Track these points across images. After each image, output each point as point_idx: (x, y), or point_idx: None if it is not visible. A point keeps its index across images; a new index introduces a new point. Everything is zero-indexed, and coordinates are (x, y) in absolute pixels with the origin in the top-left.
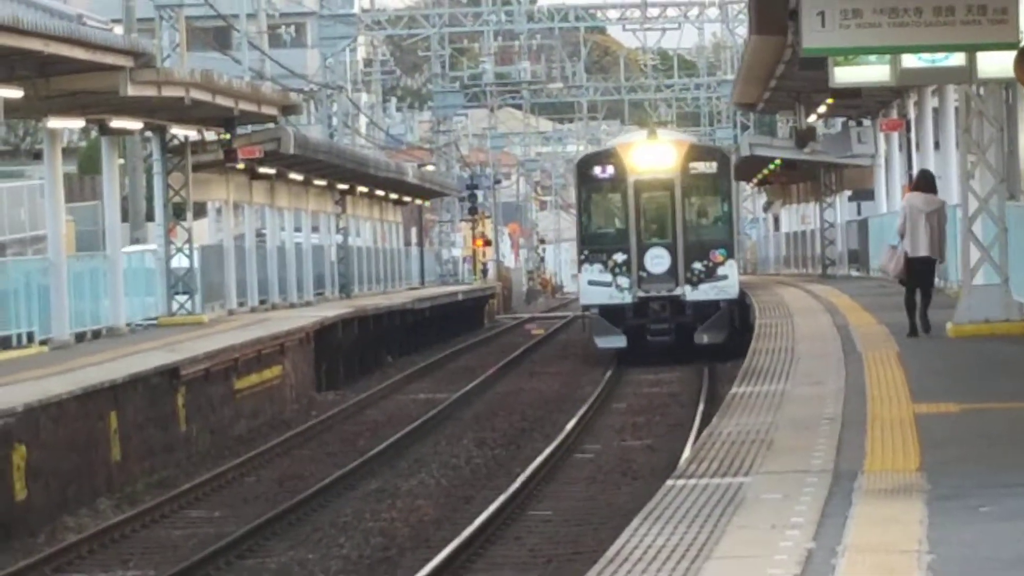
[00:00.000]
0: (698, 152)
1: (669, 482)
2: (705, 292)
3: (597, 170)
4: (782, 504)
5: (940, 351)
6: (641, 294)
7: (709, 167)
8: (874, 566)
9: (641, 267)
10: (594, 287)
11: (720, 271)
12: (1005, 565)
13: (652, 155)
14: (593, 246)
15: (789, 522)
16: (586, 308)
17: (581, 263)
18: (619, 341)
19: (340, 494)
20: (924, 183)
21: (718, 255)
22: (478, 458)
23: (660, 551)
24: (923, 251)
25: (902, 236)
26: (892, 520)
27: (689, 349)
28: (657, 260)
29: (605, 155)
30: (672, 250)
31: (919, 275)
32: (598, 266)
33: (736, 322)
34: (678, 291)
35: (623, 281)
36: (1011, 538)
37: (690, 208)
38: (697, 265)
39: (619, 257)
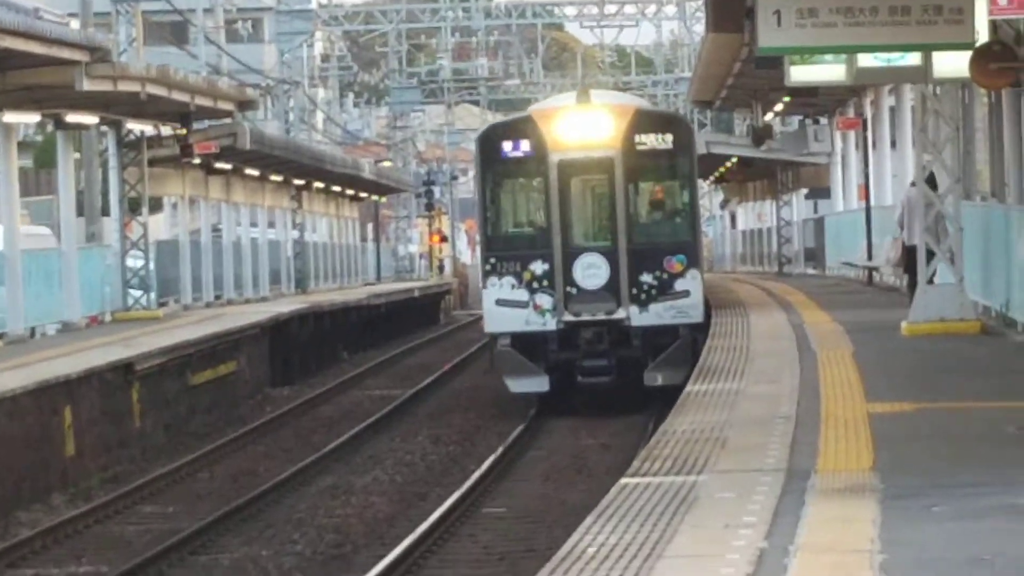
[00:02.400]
0: (648, 121)
1: (622, 480)
2: (658, 314)
3: (506, 147)
4: (735, 503)
5: (894, 350)
6: (569, 318)
7: (663, 141)
8: (826, 566)
9: (569, 281)
10: (504, 308)
11: (679, 285)
12: (957, 565)
13: (583, 125)
14: (502, 252)
15: (742, 521)
16: (494, 338)
17: (486, 275)
18: (539, 383)
19: (294, 490)
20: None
21: (675, 263)
22: (433, 455)
23: (613, 549)
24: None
25: (901, 227)
26: (845, 519)
27: (636, 392)
28: (591, 271)
29: (517, 126)
30: (612, 257)
31: (918, 262)
32: (509, 279)
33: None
34: (620, 313)
35: (544, 300)
36: (963, 538)
37: (637, 199)
38: (647, 277)
39: (538, 267)
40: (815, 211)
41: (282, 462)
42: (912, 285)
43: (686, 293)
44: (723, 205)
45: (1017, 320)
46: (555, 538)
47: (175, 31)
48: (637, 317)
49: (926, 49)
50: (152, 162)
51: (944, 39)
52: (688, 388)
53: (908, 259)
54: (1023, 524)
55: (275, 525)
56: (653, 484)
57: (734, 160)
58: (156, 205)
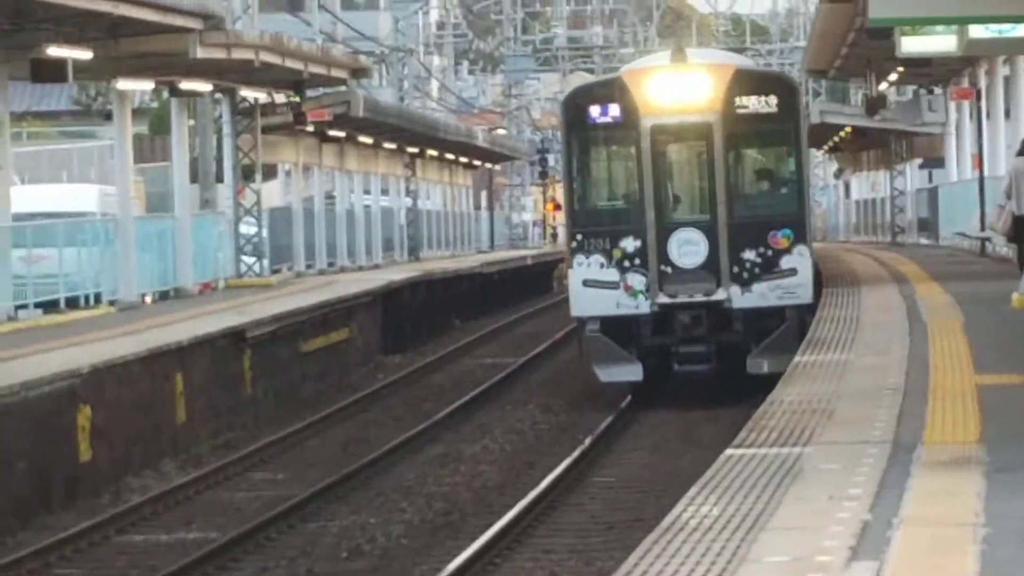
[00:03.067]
0: (750, 81)
1: (728, 451)
2: (762, 295)
3: (594, 111)
4: (840, 475)
5: (1006, 322)
6: (664, 300)
7: (766, 103)
8: (930, 539)
9: (664, 259)
10: (592, 290)
11: (785, 262)
12: None
13: (678, 87)
14: (590, 227)
15: (846, 493)
16: (581, 322)
17: (573, 252)
18: (632, 372)
19: (404, 458)
20: None
21: (781, 238)
22: (542, 423)
23: (716, 521)
24: None
25: (1008, 197)
26: (950, 492)
27: (739, 380)
28: (688, 248)
29: (606, 89)
30: (710, 233)
31: None
32: (598, 258)
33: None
34: (720, 294)
35: (636, 281)
36: None
37: (739, 167)
38: (749, 255)
39: (629, 244)
40: (930, 181)
41: (392, 430)
42: (1022, 255)
43: (793, 271)
44: (837, 175)
45: None
46: (662, 508)
47: None
48: (739, 298)
49: None
50: (266, 129)
51: None
52: (796, 359)
53: (1016, 229)
54: None
55: (384, 493)
56: (758, 455)
57: (848, 130)
58: (270, 172)
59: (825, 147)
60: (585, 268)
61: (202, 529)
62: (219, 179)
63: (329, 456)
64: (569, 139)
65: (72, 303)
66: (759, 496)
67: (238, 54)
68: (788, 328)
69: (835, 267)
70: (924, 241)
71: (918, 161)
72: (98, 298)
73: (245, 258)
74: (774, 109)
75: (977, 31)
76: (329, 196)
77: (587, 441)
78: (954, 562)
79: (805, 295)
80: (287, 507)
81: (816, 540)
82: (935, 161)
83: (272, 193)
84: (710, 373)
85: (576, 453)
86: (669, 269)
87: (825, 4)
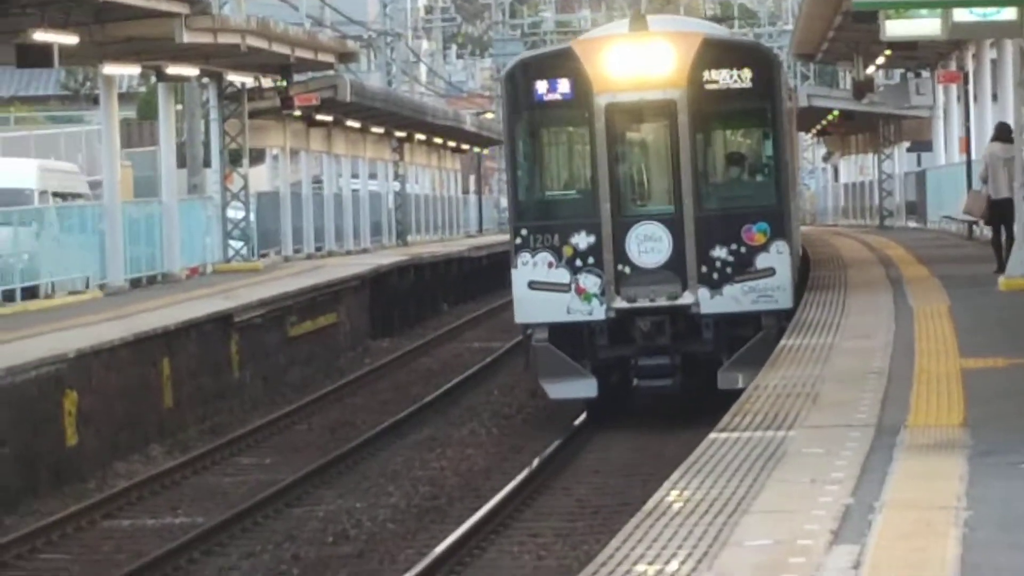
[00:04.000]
0: (720, 52)
1: (712, 435)
2: (735, 299)
3: (540, 87)
4: (823, 459)
5: (992, 305)
6: (622, 305)
7: (739, 78)
8: (911, 522)
9: (621, 258)
10: (539, 293)
11: (761, 261)
12: None
13: (637, 59)
14: (537, 221)
15: (829, 477)
16: (526, 329)
17: (516, 250)
18: (585, 387)
19: (391, 442)
20: (1003, 134)
21: (756, 233)
22: (530, 407)
23: (699, 504)
24: (1005, 193)
25: (984, 181)
26: (932, 476)
27: (709, 396)
28: (649, 245)
29: (554, 61)
30: (675, 227)
31: (1002, 215)
32: (545, 256)
33: None
34: (686, 298)
35: (589, 283)
36: None
37: (707, 152)
38: (720, 252)
39: (581, 240)
40: (918, 164)
41: (380, 414)
42: (996, 238)
43: (770, 271)
44: (826, 158)
45: None
46: (649, 492)
47: None
48: (708, 303)
49: (1020, 4)
50: (253, 114)
51: None
52: (782, 343)
53: (992, 213)
54: None
55: (370, 477)
56: (742, 439)
57: (836, 113)
58: (257, 157)
59: (814, 131)
60: (531, 268)
61: (188, 514)
62: (207, 164)
63: (316, 440)
64: (512, 119)
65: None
66: (742, 479)
67: (224, 38)
68: (765, 337)
69: (823, 250)
70: (912, 224)
71: (906, 144)
72: (86, 282)
73: (233, 243)
74: (748, 84)
75: (961, 14)
76: (317, 180)
77: (575, 423)
78: (935, 545)
79: (784, 299)
80: (273, 491)
81: (798, 524)
82: (923, 144)
83: (260, 178)
84: (674, 389)
85: (563, 437)
86: (627, 269)
87: None
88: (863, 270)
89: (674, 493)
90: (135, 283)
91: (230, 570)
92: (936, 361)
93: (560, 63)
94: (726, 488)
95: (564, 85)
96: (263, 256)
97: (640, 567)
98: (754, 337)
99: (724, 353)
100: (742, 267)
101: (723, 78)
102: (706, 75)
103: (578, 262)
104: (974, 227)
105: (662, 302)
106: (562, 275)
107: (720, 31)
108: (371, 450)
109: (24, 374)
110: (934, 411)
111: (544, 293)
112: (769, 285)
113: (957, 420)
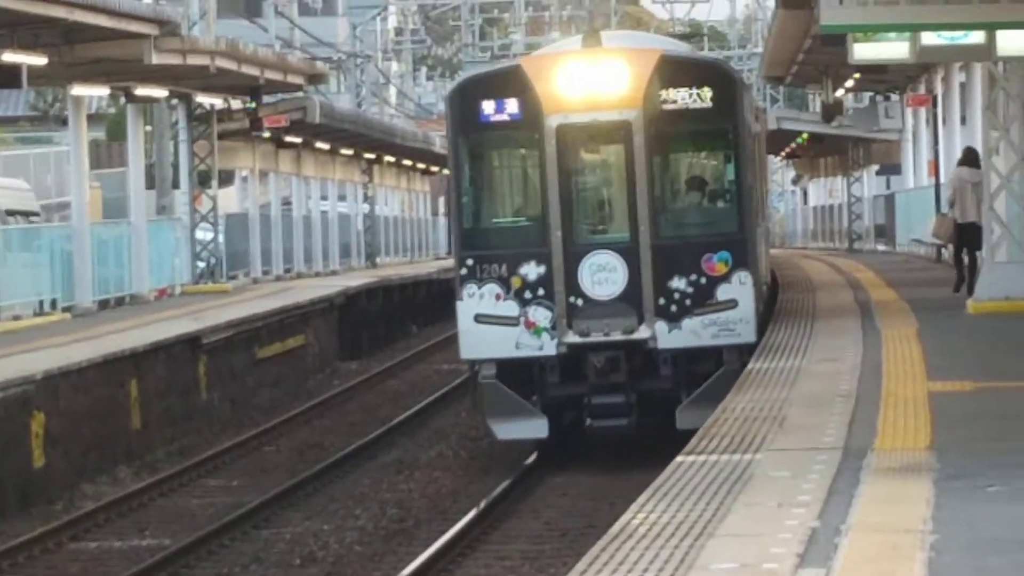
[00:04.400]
0: (679, 70)
1: (679, 458)
2: (694, 332)
3: (487, 107)
4: (790, 482)
5: (959, 328)
6: (574, 339)
7: (700, 98)
8: (877, 545)
9: (573, 289)
10: (487, 327)
11: (722, 292)
12: (1010, 546)
13: (591, 77)
14: (484, 251)
15: (796, 500)
16: (474, 366)
17: (462, 281)
18: (535, 428)
19: (359, 464)
20: (970, 158)
21: (717, 263)
22: None
23: (665, 527)
24: (971, 217)
25: (951, 205)
26: (898, 499)
27: (666, 436)
28: (603, 276)
29: (501, 79)
30: (630, 257)
31: (968, 239)
32: (493, 288)
33: None
34: (643, 332)
35: (539, 316)
36: (1018, 519)
37: (665, 177)
38: (678, 283)
39: (531, 271)
40: (887, 187)
41: (348, 436)
42: (958, 256)
43: (732, 303)
44: (795, 181)
45: None
46: (617, 514)
47: (248, 4)
48: (666, 337)
49: (989, 28)
50: (222, 135)
51: (1007, 18)
52: (750, 366)
53: (959, 236)
54: None
55: (338, 499)
56: (709, 462)
57: (805, 136)
58: (226, 178)
59: (783, 153)
60: (477, 300)
61: (156, 536)
62: (176, 185)
63: (284, 462)
64: (456, 141)
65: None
66: (709, 502)
67: (194, 60)
68: (726, 374)
69: (791, 273)
70: (881, 248)
71: (875, 167)
72: (54, 304)
73: (201, 264)
74: (709, 104)
75: (929, 38)
76: (286, 202)
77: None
78: (901, 569)
79: (747, 332)
80: (241, 513)
81: (764, 547)
82: (892, 167)
83: (229, 199)
84: (629, 429)
85: (530, 460)
86: (580, 301)
87: (782, 10)
88: (832, 293)
89: (640, 516)
90: (103, 304)
91: None
92: (903, 384)
93: (508, 82)
94: (692, 511)
95: (512, 105)
96: (232, 278)
97: None
98: (715, 373)
99: (683, 390)
100: (702, 299)
101: (682, 97)
102: (664, 94)
103: (527, 294)
104: (943, 250)
105: (617, 336)
106: (510, 308)
107: (680, 48)
108: (339, 472)
109: None
110: (901, 434)
111: (491, 327)
112: (731, 318)
113: (924, 443)
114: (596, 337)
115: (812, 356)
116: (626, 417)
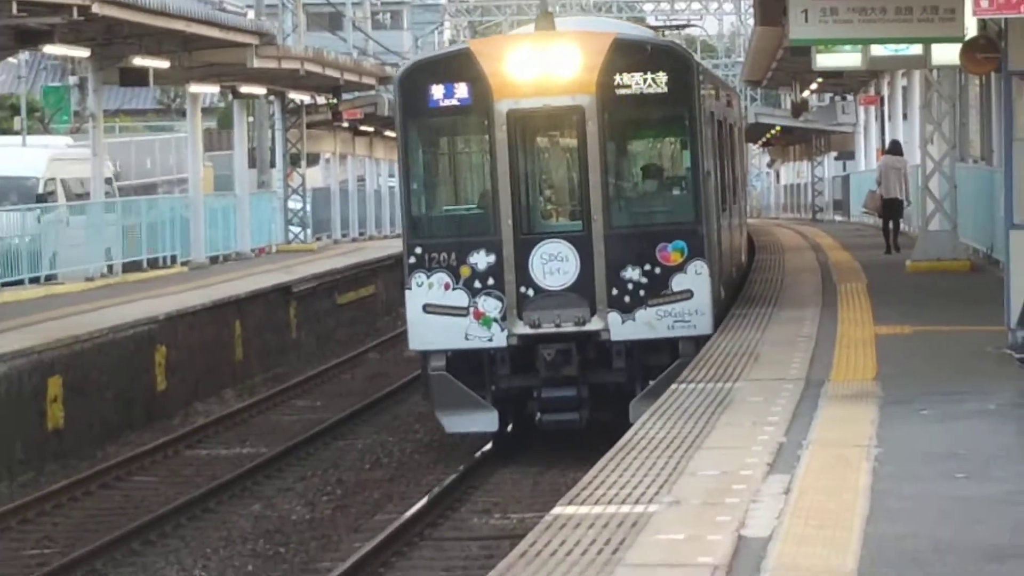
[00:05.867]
0: (633, 54)
1: (673, 386)
2: (648, 324)
3: (435, 92)
4: (762, 405)
5: (900, 283)
6: (524, 330)
7: (655, 82)
8: (832, 457)
9: (524, 279)
10: (435, 317)
11: (677, 283)
12: (939, 457)
13: (542, 61)
14: (432, 239)
15: (767, 420)
16: (424, 357)
17: (410, 270)
18: (484, 421)
19: (417, 390)
20: (894, 148)
21: (672, 252)
22: None
23: (662, 441)
24: (894, 194)
25: (879, 184)
26: (849, 420)
27: (619, 430)
28: (555, 265)
29: (450, 63)
30: (583, 245)
31: (891, 211)
32: (442, 277)
33: None
34: (595, 323)
35: (489, 306)
36: (945, 436)
37: (619, 163)
38: (632, 273)
39: (481, 260)
40: (844, 170)
41: (410, 367)
42: (885, 227)
43: (687, 294)
44: (769, 165)
45: (1000, 260)
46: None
47: (330, 20)
48: (619, 328)
49: (925, 42)
50: (309, 125)
51: (939, 34)
52: (732, 311)
53: (884, 209)
54: (994, 425)
55: (401, 417)
56: (697, 389)
57: (778, 128)
58: (313, 159)
59: (760, 142)
60: (426, 290)
61: (254, 445)
62: (272, 165)
63: (358, 388)
64: (405, 126)
65: (153, 263)
66: (696, 422)
67: (287, 64)
68: (681, 366)
69: (765, 238)
70: (838, 218)
71: (834, 154)
72: (174, 259)
73: (292, 228)
74: (663, 89)
75: (878, 50)
76: (360, 179)
77: None
78: (851, 475)
79: (702, 324)
80: (322, 428)
81: (741, 457)
82: (847, 154)
83: (314, 176)
84: (581, 424)
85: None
86: (531, 291)
87: (759, 27)
88: (798, 254)
89: (641, 432)
90: (213, 260)
91: (286, 491)
92: (855, 328)
93: (457, 65)
94: (683, 428)
95: (461, 89)
96: (317, 239)
97: (613, 491)
98: (670, 366)
99: (637, 383)
100: (656, 289)
101: (636, 82)
102: (617, 79)
103: (477, 283)
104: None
105: (568, 328)
106: (460, 297)
107: (635, 31)
108: (402, 395)
109: (123, 332)
110: (852, 368)
111: (440, 317)
112: (686, 309)
113: (871, 375)
114: (547, 328)
115: (781, 304)
116: (577, 411)
